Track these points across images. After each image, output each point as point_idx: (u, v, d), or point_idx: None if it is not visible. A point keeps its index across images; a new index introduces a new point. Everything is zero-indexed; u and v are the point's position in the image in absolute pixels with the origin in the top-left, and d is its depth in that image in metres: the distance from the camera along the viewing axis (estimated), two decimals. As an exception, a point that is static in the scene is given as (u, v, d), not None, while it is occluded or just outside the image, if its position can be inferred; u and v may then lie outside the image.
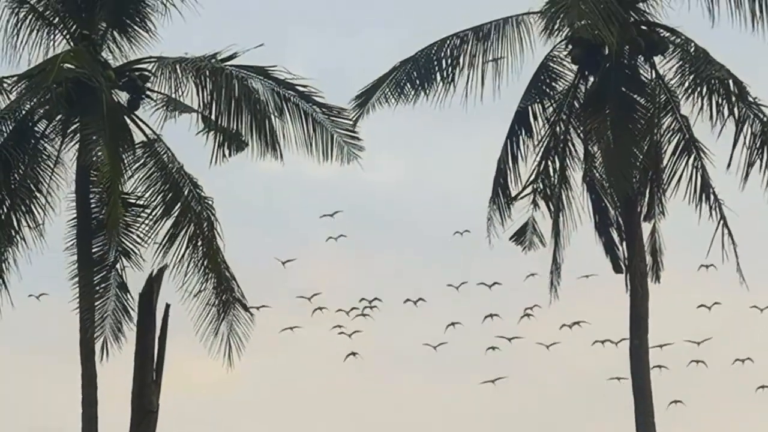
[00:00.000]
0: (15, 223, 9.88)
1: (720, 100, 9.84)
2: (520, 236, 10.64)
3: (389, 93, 9.79)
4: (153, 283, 9.17)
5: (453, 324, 17.43)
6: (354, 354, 17.63)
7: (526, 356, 18.01)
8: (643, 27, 10.19)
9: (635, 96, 9.97)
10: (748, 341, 18.67)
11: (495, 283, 17.14)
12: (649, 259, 10.23)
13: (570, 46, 10.01)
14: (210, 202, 10.00)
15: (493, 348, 17.04)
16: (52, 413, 17.44)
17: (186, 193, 9.89)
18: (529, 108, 10.30)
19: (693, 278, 15.60)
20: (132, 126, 9.99)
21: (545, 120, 10.29)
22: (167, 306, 9.27)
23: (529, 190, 10.30)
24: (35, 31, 10.15)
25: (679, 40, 10.16)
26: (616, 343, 14.30)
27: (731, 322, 18.40)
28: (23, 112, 9.80)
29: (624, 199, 9.88)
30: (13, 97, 9.60)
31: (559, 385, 20.28)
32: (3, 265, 9.79)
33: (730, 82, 9.79)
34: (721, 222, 9.98)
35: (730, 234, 10.03)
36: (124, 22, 10.10)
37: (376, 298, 17.82)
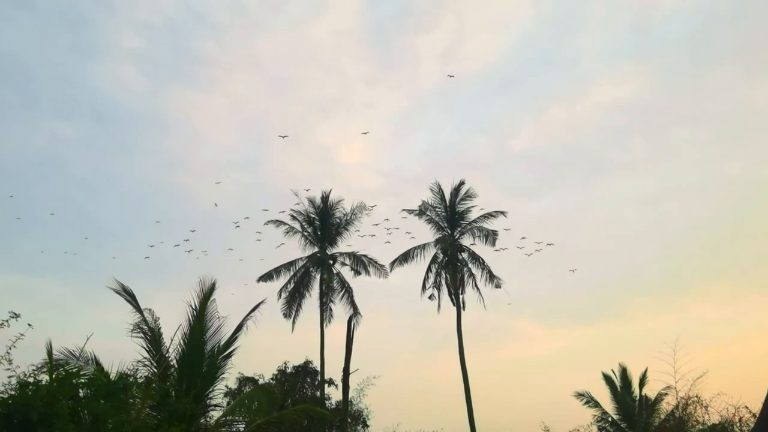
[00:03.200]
0: (298, 300, 39.78)
1: (477, 266, 39.91)
2: (431, 298, 40.21)
3: (398, 263, 39.96)
4: (351, 316, 38.08)
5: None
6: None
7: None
8: (459, 244, 40.46)
9: (458, 262, 40.08)
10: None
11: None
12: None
13: (441, 251, 40.20)
14: (353, 293, 39.89)
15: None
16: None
17: (348, 290, 39.79)
18: (431, 265, 40.37)
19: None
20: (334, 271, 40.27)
21: (436, 267, 40.26)
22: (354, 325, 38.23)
23: (431, 288, 40.09)
24: (301, 244, 40.59)
25: (467, 248, 40.41)
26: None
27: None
28: (304, 267, 40.03)
29: (455, 290, 39.57)
30: (302, 263, 40.04)
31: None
32: (298, 312, 39.58)
33: (482, 259, 39.90)
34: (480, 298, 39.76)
35: (481, 298, 39.75)
36: (333, 243, 40.68)
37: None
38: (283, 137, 35.06)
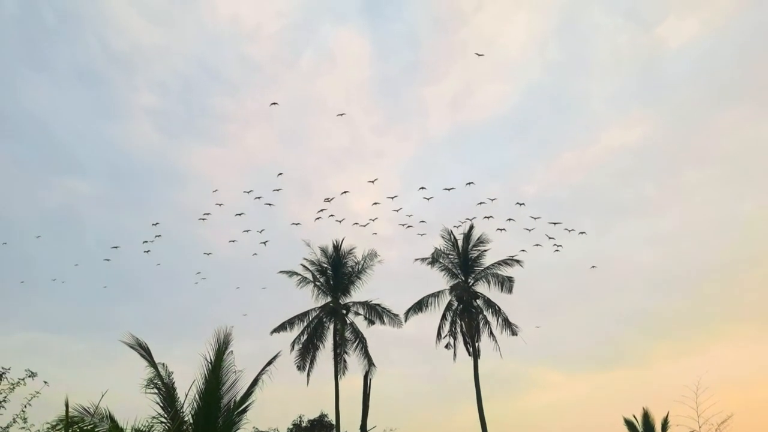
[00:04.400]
0: (312, 352, 39.41)
1: (493, 313, 39.55)
2: (447, 347, 39.74)
3: (412, 312, 39.72)
4: (368, 371, 38.01)
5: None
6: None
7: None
8: (474, 291, 40.21)
9: (473, 309, 39.72)
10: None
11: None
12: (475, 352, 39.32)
13: (455, 298, 39.97)
14: (367, 344, 39.49)
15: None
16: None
17: (362, 340, 39.43)
18: (446, 313, 40.05)
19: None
20: (348, 321, 40.01)
21: (451, 314, 39.94)
22: (370, 380, 38.05)
23: (447, 336, 39.65)
24: (314, 294, 40.48)
25: (482, 294, 40.14)
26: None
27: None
28: (317, 318, 39.84)
29: (472, 338, 39.11)
30: (315, 314, 39.85)
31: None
32: (312, 364, 39.15)
33: (497, 306, 39.57)
34: (496, 345, 39.24)
35: (497, 345, 39.22)
36: (346, 292, 40.50)
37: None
38: (274, 104, 38.73)
